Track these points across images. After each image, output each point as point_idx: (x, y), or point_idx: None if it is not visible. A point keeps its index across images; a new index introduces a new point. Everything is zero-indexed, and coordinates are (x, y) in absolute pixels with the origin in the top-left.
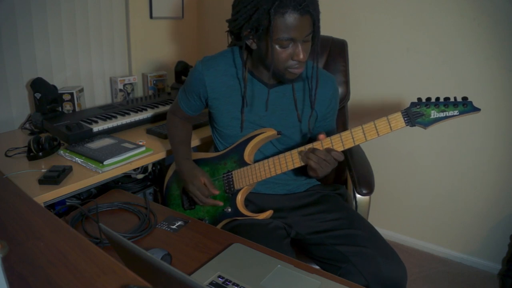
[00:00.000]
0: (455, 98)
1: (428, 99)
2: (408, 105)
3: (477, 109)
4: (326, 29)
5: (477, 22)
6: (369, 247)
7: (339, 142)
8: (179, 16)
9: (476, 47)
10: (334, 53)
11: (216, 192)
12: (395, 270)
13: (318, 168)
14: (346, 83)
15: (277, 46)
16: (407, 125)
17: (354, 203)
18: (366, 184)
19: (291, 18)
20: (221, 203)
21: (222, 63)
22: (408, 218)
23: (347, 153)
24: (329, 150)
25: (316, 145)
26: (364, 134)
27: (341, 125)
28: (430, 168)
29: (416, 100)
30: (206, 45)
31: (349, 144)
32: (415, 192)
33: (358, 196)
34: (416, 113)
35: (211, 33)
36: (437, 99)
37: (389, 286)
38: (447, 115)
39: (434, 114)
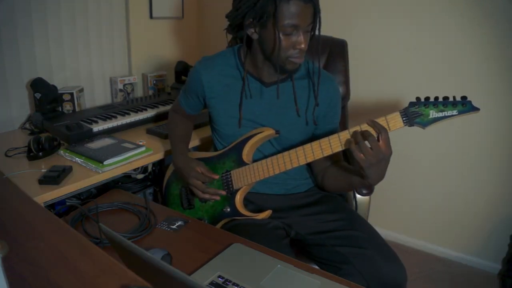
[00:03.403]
0: (454, 97)
1: (427, 98)
2: (407, 105)
3: (476, 109)
4: (326, 29)
5: (477, 22)
6: (369, 248)
7: (337, 143)
8: (179, 16)
9: (476, 47)
10: (334, 53)
11: (216, 177)
12: (395, 271)
13: (362, 160)
14: (346, 83)
15: (280, 34)
16: (405, 125)
17: (354, 203)
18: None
19: (295, 5)
20: (224, 193)
21: (219, 62)
22: (408, 218)
23: (347, 153)
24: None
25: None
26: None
27: (341, 125)
28: (430, 168)
29: (414, 100)
30: (206, 45)
31: (347, 144)
32: (415, 192)
33: (358, 196)
34: (415, 113)
35: (211, 33)
36: (436, 98)
37: (389, 287)
38: (446, 115)
39: (432, 114)
